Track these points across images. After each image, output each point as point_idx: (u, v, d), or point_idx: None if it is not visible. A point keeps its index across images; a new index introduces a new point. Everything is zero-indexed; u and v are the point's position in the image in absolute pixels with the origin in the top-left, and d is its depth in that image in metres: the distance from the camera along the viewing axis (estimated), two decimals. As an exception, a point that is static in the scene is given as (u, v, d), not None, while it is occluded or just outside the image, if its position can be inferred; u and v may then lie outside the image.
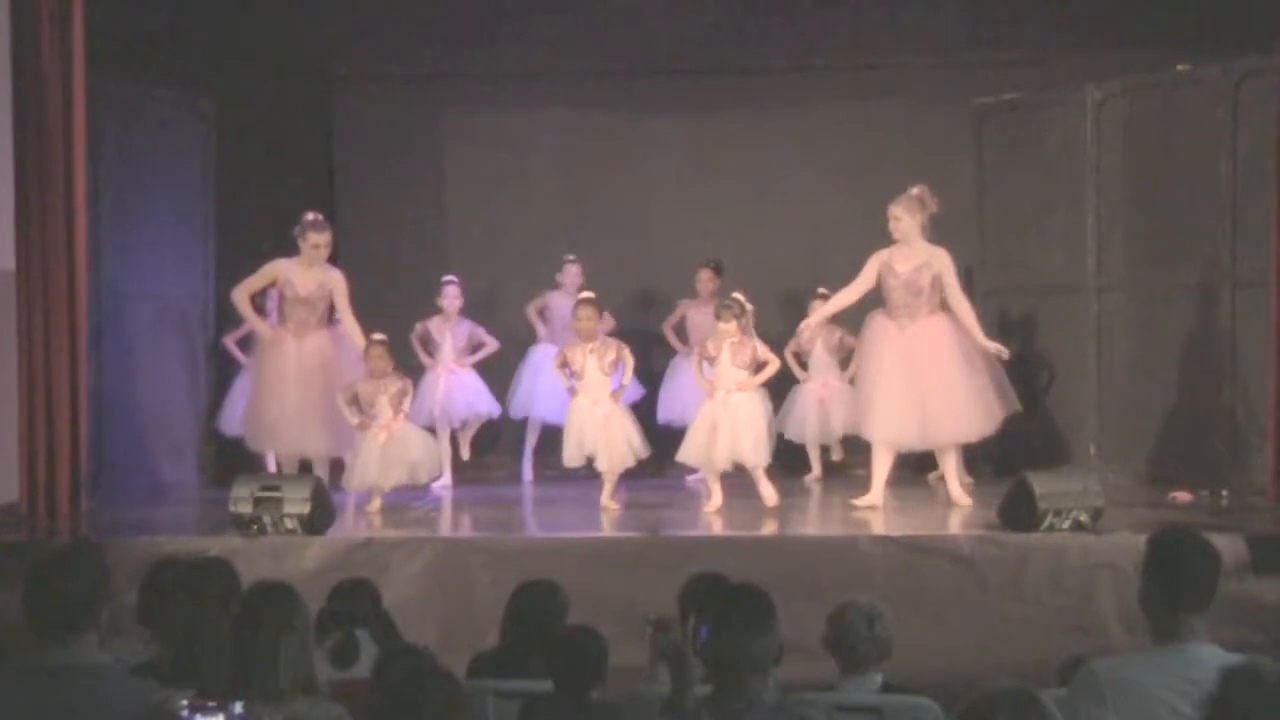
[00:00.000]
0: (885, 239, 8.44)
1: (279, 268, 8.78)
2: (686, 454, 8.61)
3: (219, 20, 10.66)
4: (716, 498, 8.47)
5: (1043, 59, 10.71)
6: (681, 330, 10.48)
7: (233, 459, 9.74)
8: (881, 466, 8.47)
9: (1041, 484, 7.27)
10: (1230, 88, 9.05)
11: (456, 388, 10.00)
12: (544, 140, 11.42)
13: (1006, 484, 7.65)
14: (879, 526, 7.88)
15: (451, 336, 10.10)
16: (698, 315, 10.26)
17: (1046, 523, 7.18)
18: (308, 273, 8.73)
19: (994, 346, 8.29)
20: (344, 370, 8.73)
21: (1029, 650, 6.42)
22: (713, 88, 11.22)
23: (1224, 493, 8.76)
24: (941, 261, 8.34)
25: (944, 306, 8.41)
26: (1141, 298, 9.70)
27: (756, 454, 8.45)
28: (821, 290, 9.86)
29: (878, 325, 8.46)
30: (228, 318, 10.27)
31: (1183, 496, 8.76)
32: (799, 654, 4.37)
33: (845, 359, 9.93)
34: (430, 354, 10.08)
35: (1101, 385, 9.89)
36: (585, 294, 8.91)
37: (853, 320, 9.21)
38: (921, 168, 10.78)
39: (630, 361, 8.65)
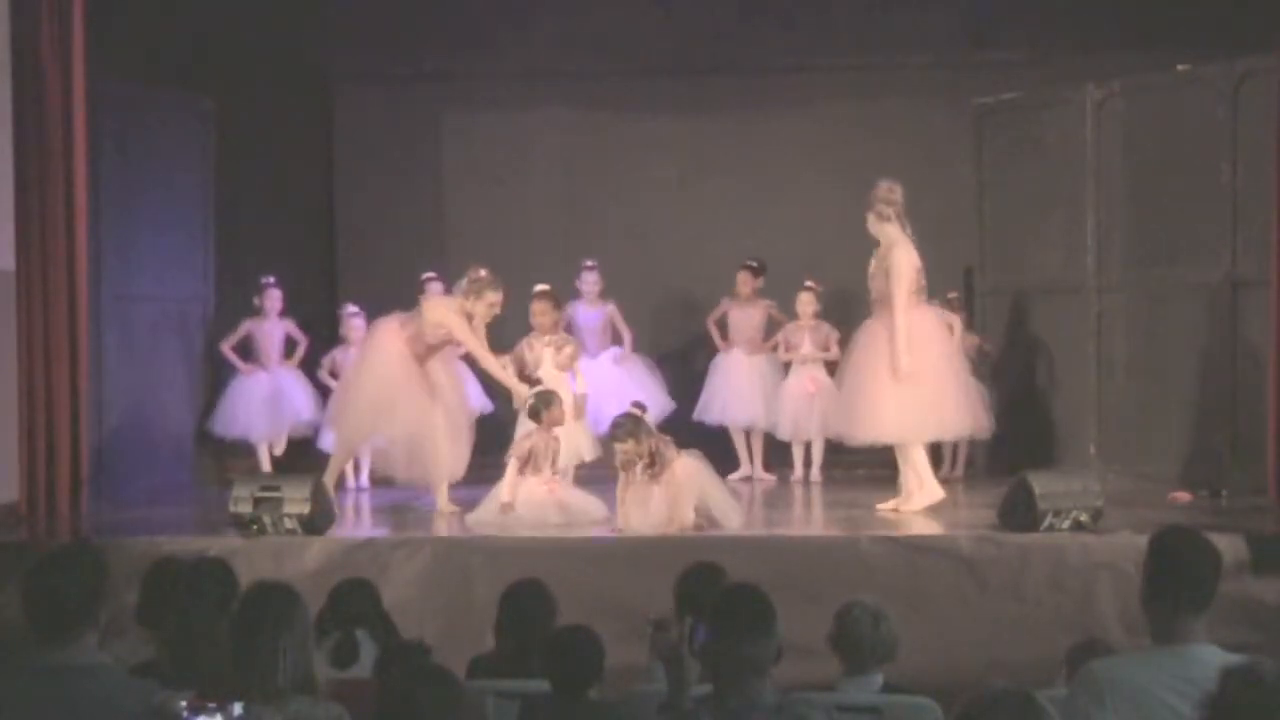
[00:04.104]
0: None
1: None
2: None
3: (219, 20, 10.64)
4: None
5: (1043, 59, 10.70)
6: (723, 326, 10.38)
7: (231, 459, 9.74)
8: (922, 462, 8.20)
9: (1041, 484, 7.26)
10: (1230, 88, 9.04)
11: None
12: (544, 140, 11.41)
13: (1006, 484, 7.65)
14: (879, 526, 7.87)
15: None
16: (738, 315, 10.25)
17: (1046, 523, 7.18)
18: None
19: (905, 365, 7.90)
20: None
21: (1029, 650, 6.41)
22: (713, 88, 11.21)
23: (1224, 493, 8.75)
24: (893, 257, 8.02)
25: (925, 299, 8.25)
26: (1141, 298, 9.69)
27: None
28: (808, 283, 9.89)
29: (869, 331, 8.21)
30: (227, 319, 10.28)
31: (1183, 496, 8.75)
32: (799, 654, 4.36)
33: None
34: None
35: (1101, 385, 9.88)
36: (541, 287, 9.06)
37: (843, 319, 9.23)
38: (921, 168, 10.79)
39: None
